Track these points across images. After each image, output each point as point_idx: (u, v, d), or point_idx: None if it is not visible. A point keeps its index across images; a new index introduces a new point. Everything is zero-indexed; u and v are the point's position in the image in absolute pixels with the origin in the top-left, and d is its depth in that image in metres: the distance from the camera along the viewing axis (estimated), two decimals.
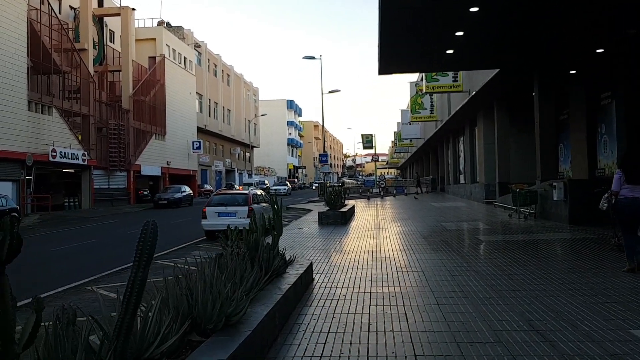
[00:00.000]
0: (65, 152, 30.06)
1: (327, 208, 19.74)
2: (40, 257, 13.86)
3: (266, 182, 68.52)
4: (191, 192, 38.91)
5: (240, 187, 31.96)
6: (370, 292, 7.20)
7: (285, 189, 59.29)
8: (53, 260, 13.17)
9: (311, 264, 8.28)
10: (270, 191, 46.48)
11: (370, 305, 6.50)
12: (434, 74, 23.68)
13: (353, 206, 23.23)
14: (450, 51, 15.28)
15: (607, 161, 17.88)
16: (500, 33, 14.08)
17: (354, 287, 7.61)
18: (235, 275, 5.21)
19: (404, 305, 6.46)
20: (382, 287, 7.54)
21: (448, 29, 13.25)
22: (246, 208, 15.34)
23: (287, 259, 7.99)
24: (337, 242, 12.84)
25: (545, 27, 13.47)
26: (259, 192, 17.24)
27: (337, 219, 18.04)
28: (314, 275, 8.55)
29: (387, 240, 12.97)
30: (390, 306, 6.43)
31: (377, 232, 14.77)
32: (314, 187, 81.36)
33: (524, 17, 12.71)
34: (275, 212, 7.86)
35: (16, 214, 19.23)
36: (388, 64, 16.90)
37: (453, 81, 23.78)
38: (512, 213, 18.14)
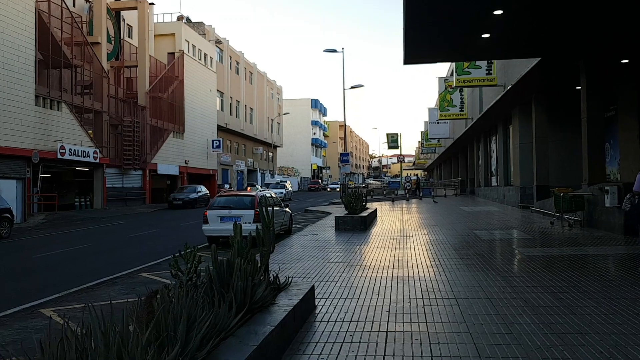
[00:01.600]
0: (75, 150, 28.82)
1: (346, 212, 17.96)
2: (19, 265, 12.40)
3: (287, 182, 66.97)
4: (207, 192, 37.41)
5: (249, 189, 30.12)
6: (387, 332, 5.39)
7: (282, 192, 44.75)
8: (30, 269, 11.64)
9: (312, 288, 6.50)
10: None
11: (385, 356, 4.69)
12: (465, 65, 21.66)
13: (375, 210, 21.38)
14: (486, 35, 13.33)
15: None
16: (544, 12, 12.09)
17: (365, 321, 5.81)
18: (179, 324, 3.45)
19: (431, 357, 4.63)
20: (404, 322, 5.71)
21: (485, 6, 11.33)
22: (252, 212, 13.63)
23: (281, 281, 6.25)
24: (353, 254, 11.03)
25: (598, 4, 11.46)
26: (268, 193, 15.52)
27: (356, 225, 16.22)
28: (317, 301, 6.78)
29: (411, 251, 11.11)
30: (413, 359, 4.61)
31: (400, 241, 12.91)
32: (328, 189, 77.13)
33: None
34: (264, 222, 6.11)
35: (9, 215, 17.86)
36: (414, 52, 15.02)
37: (486, 74, 21.73)
38: (554, 220, 16.08)
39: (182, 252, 4.83)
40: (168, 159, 41.53)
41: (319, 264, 9.68)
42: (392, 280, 7.99)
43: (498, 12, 11.63)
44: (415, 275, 8.41)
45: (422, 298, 6.82)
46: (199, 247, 14.15)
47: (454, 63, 22.67)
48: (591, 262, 9.31)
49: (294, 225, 18.38)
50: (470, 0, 11.15)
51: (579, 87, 20.16)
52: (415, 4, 11.25)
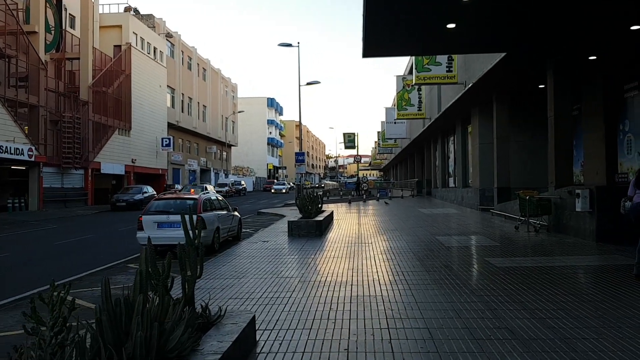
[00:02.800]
0: (6, 147, 26.43)
1: (300, 216, 16.68)
2: None
3: (242, 182, 65.15)
4: (154, 193, 35.33)
5: (192, 191, 28.03)
6: None
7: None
8: None
9: (253, 320, 5.16)
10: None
11: None
12: (425, 62, 20.72)
13: (332, 212, 20.18)
14: (451, 25, 12.26)
15: (631, 164, 15.05)
16: (514, 1, 11.11)
17: None
18: None
19: None
20: None
21: None
22: (194, 217, 12.15)
23: (213, 313, 4.91)
24: (306, 266, 9.75)
25: None
26: (214, 196, 14.05)
27: (310, 230, 14.98)
28: (260, 334, 5.47)
29: (371, 262, 9.92)
30: None
31: (358, 249, 11.72)
32: (272, 191, 66.87)
33: None
34: (188, 239, 4.78)
35: None
36: (375, 42, 13.86)
37: (447, 71, 20.85)
38: (519, 225, 15.25)
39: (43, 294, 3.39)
40: (113, 158, 39.24)
41: (267, 280, 8.36)
42: (351, 303, 6.75)
43: None
44: (377, 294, 7.20)
45: (388, 328, 5.60)
46: (134, 257, 12.60)
47: (413, 60, 21.74)
48: (572, 275, 8.33)
49: (243, 230, 17.01)
50: None
51: (542, 86, 19.53)
52: None
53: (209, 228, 12.39)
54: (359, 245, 12.56)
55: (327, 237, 14.36)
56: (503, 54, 15.39)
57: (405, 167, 56.41)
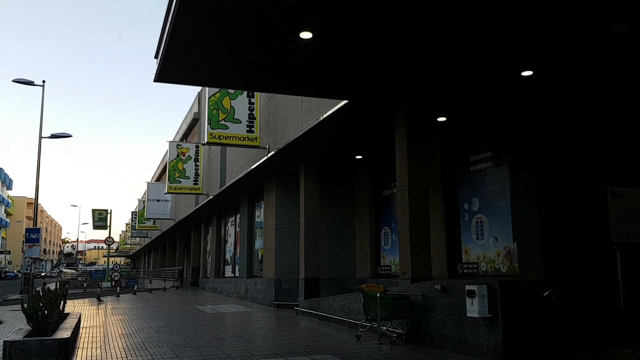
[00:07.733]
0: None
1: (30, 328, 10.06)
2: None
3: None
4: None
5: None
6: None
7: None
8: None
9: None
10: None
11: None
12: (222, 116, 16.28)
13: (79, 317, 13.58)
14: (307, 35, 8.13)
15: (484, 251, 12.48)
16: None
17: None
18: None
19: None
20: None
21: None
22: None
23: None
24: None
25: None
26: None
27: (47, 356, 8.64)
28: None
29: None
30: None
31: None
32: None
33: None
34: None
35: None
36: (180, 59, 8.99)
37: (247, 131, 16.72)
38: (361, 333, 11.18)
39: None
40: None
41: None
42: None
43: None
44: None
45: None
46: None
47: (206, 116, 17.12)
48: None
49: None
50: None
51: (360, 157, 16.73)
52: None
53: None
54: None
55: None
56: (328, 112, 11.85)
57: (164, 253, 49.72)
